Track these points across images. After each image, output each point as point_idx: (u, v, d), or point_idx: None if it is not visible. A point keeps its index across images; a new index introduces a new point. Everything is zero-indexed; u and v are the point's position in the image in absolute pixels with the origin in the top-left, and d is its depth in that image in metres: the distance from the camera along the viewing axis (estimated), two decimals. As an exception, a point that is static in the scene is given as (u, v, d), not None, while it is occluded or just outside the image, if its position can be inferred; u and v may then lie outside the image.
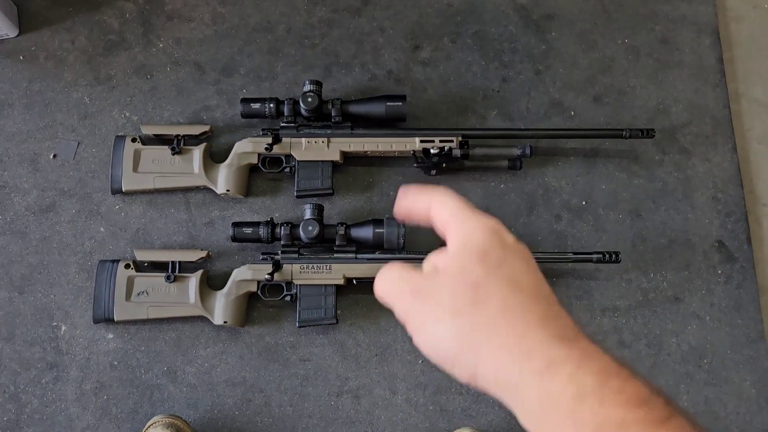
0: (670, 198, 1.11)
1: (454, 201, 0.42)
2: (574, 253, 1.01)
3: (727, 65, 1.19)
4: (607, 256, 1.00)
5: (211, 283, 1.04)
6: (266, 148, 1.04)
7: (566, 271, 1.06)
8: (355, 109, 1.05)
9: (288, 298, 1.01)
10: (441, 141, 1.05)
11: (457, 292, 0.38)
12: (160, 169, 1.06)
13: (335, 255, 1.01)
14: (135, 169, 1.05)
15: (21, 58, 1.12)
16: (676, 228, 1.09)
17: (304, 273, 1.00)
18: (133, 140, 1.06)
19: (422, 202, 0.44)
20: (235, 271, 1.01)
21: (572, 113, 1.14)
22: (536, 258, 1.08)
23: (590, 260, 1.01)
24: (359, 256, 1.00)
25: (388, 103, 1.04)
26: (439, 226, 0.43)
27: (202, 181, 1.05)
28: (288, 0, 1.18)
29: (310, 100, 1.03)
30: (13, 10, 1.11)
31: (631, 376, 0.35)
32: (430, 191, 0.44)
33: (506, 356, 0.36)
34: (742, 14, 1.23)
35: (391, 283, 0.42)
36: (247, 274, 1.00)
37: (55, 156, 1.09)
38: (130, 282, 1.00)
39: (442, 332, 0.38)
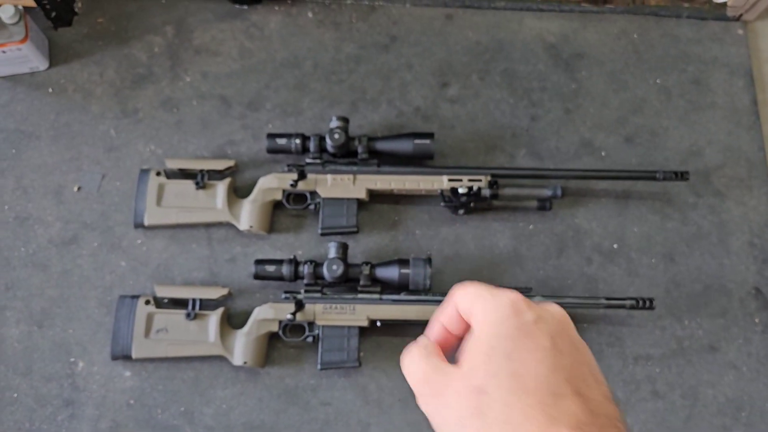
0: (705, 242, 1.07)
1: (474, 286, 0.41)
2: (607, 299, 0.97)
3: (761, 107, 1.16)
4: (641, 302, 0.96)
5: (232, 321, 1.01)
6: (291, 185, 1.03)
7: (598, 316, 1.02)
8: (382, 146, 1.04)
9: (310, 339, 0.98)
10: (469, 180, 1.03)
11: (462, 401, 0.36)
12: (184, 203, 1.04)
13: (359, 295, 0.98)
14: (158, 203, 1.04)
15: (50, 90, 1.13)
16: (711, 273, 1.06)
17: (327, 313, 0.98)
18: (158, 174, 1.05)
19: (448, 305, 0.42)
20: (256, 310, 0.99)
21: (603, 153, 1.12)
22: (566, 304, 1.03)
23: (623, 306, 0.97)
24: (384, 296, 0.98)
25: (415, 141, 1.03)
26: (465, 317, 0.41)
27: (225, 216, 1.04)
28: (315, 36, 1.18)
29: (337, 136, 1.02)
30: (44, 44, 1.12)
31: None
32: (450, 293, 0.42)
33: None
34: (776, 56, 1.21)
35: (410, 367, 0.41)
36: (268, 313, 0.98)
37: (79, 188, 1.08)
38: (149, 318, 0.98)
39: None
